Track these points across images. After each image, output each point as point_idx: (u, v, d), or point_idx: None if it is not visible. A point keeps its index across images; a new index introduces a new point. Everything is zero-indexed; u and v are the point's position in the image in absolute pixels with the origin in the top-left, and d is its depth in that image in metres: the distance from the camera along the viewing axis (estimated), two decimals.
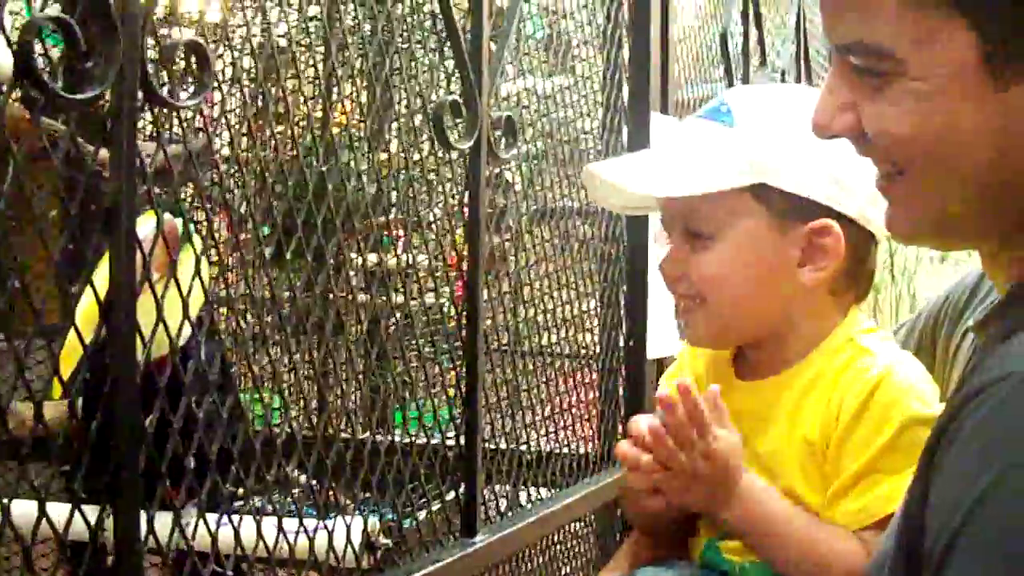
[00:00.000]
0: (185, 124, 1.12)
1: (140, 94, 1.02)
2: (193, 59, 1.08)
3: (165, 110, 1.10)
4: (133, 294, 1.03)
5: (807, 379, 1.27)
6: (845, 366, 1.25)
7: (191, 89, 1.09)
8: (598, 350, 2.21)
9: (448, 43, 1.55)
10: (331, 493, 1.42)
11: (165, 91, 1.06)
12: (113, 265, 1.01)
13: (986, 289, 1.24)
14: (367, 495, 1.48)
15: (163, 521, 1.11)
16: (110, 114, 1.00)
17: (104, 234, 1.01)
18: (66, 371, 1.06)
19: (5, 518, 0.96)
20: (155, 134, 1.10)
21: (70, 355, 1.08)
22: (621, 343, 2.22)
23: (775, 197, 1.17)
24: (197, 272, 1.19)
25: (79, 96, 0.96)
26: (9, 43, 0.90)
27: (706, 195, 1.24)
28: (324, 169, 1.34)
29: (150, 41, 1.07)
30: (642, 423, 1.26)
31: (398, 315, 1.55)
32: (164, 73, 1.08)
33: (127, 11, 0.99)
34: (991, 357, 0.93)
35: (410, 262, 1.61)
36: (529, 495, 1.93)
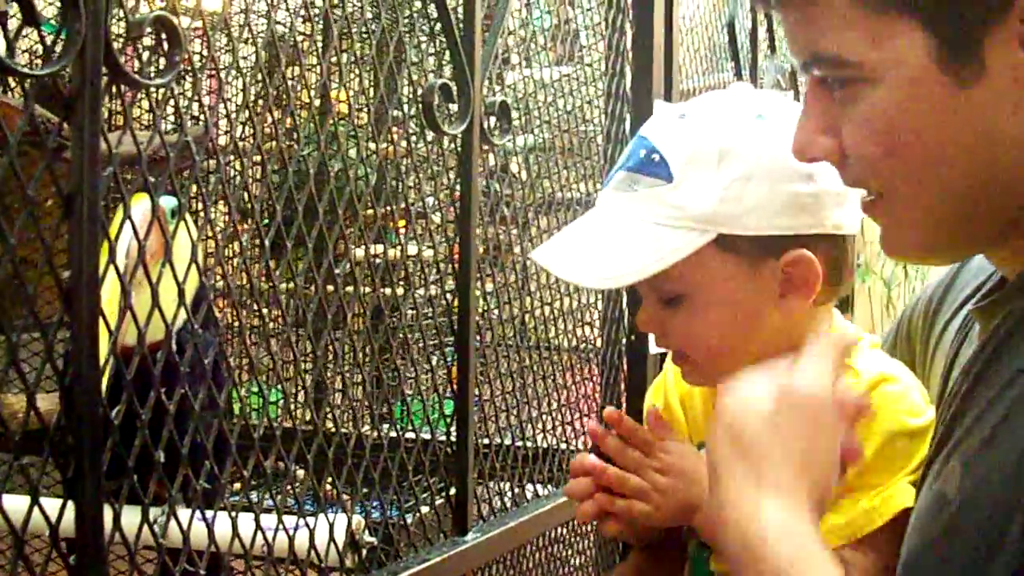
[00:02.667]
0: (156, 105, 1.07)
1: (104, 71, 0.98)
2: (163, 36, 1.04)
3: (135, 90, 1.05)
4: (96, 281, 0.99)
5: None
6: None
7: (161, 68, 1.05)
8: (599, 344, 2.17)
9: (440, 25, 1.51)
10: (316, 488, 1.38)
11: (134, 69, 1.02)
12: (74, 251, 0.97)
13: (962, 282, 1.20)
14: (353, 492, 1.44)
15: (131, 517, 1.07)
16: (71, 92, 0.96)
17: (65, 220, 0.96)
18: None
19: None
20: (151, 120, 1.06)
21: None
22: (623, 338, 2.18)
23: (739, 242, 1.11)
24: (193, 259, 1.15)
25: (36, 72, 0.92)
26: None
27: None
28: (323, 157, 1.30)
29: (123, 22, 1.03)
30: (588, 459, 1.24)
31: (391, 307, 1.50)
32: (136, 56, 1.04)
33: None
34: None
35: (407, 253, 1.57)
36: (524, 492, 1.89)
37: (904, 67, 0.89)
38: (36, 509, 0.97)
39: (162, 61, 1.06)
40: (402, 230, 1.67)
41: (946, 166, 0.91)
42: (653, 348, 2.13)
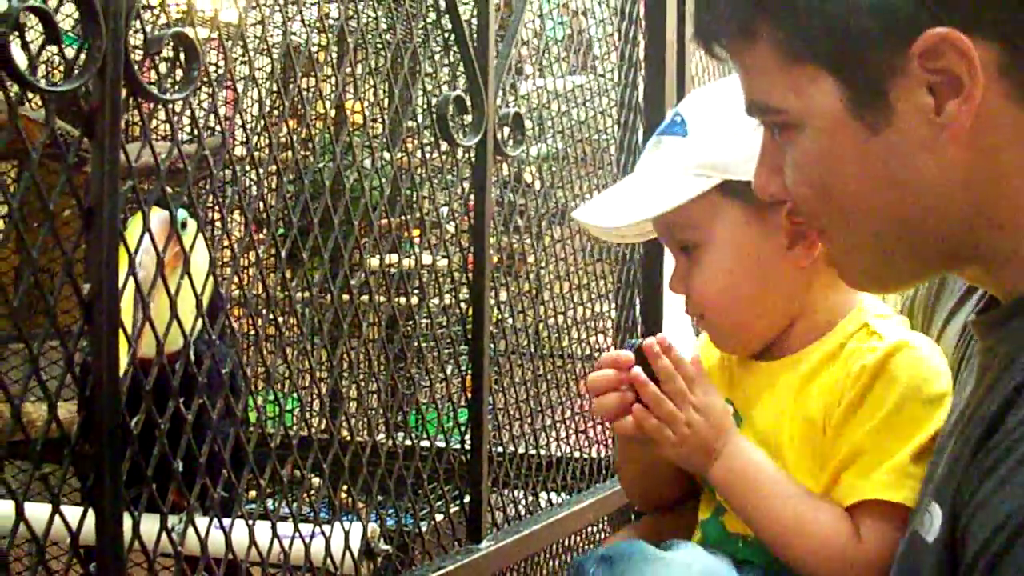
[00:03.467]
0: (174, 117, 1.09)
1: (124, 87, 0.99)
2: (181, 52, 1.05)
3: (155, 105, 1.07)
4: (116, 292, 1.00)
5: (817, 360, 1.25)
6: (856, 349, 1.23)
7: (179, 84, 1.06)
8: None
9: (454, 36, 1.52)
10: (332, 497, 1.39)
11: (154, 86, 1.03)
12: (94, 264, 0.98)
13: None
14: (368, 500, 1.45)
15: (149, 525, 1.09)
16: (92, 107, 0.97)
17: (85, 232, 0.98)
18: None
19: (19, 518, 0.94)
20: (169, 134, 1.07)
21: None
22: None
23: (744, 189, 1.16)
24: (211, 269, 1.17)
25: (58, 88, 0.93)
26: None
27: (681, 208, 1.25)
28: (338, 167, 1.32)
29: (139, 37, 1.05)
30: (622, 355, 1.27)
31: (405, 316, 1.51)
32: (152, 68, 1.06)
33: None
34: None
35: (422, 263, 1.58)
36: (538, 500, 1.90)
37: (821, 115, 0.94)
38: (57, 517, 0.99)
39: (179, 75, 1.07)
40: (416, 240, 1.68)
41: (871, 206, 0.95)
42: None
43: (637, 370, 1.24)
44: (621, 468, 1.46)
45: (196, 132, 1.19)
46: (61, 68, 0.99)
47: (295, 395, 1.47)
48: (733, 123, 1.19)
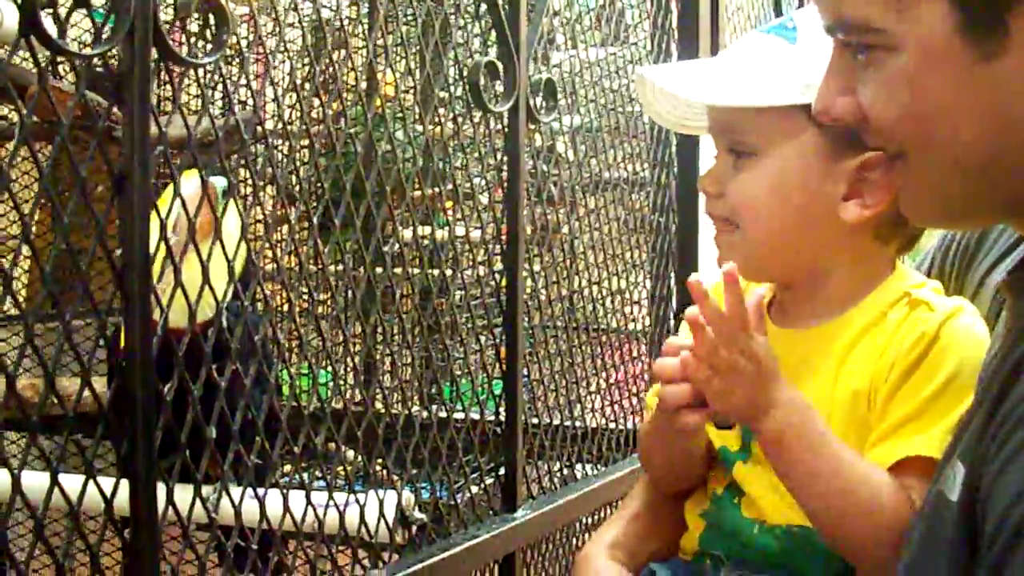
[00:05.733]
0: (204, 85, 1.08)
1: (154, 52, 0.99)
2: (211, 17, 1.05)
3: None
4: (148, 259, 1.00)
5: (857, 330, 1.21)
6: (904, 319, 1.19)
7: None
8: (647, 324, 2.16)
9: (485, 5, 1.51)
10: (367, 467, 1.39)
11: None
12: (126, 230, 0.98)
13: (997, 230, 1.20)
14: (402, 471, 1.44)
15: (183, 495, 1.09)
16: (121, 72, 0.97)
17: (116, 199, 0.97)
18: None
19: (53, 488, 0.95)
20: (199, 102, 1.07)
21: None
22: (671, 317, 2.17)
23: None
24: (243, 235, 1.16)
25: (88, 52, 0.93)
26: None
27: (758, 109, 1.18)
28: (371, 138, 1.31)
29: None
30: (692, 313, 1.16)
31: (439, 288, 1.51)
32: (184, 32, 1.05)
33: None
34: None
35: (456, 234, 1.58)
36: (573, 471, 1.89)
37: (926, 37, 0.89)
38: (92, 487, 0.99)
39: (209, 46, 1.07)
40: (449, 211, 1.67)
41: (962, 136, 0.90)
42: None
43: (692, 309, 1.15)
44: (651, 462, 1.36)
45: (226, 102, 1.18)
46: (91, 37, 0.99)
47: (328, 367, 1.47)
48: None
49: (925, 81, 0.90)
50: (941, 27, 0.88)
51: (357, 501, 1.36)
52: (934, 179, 0.94)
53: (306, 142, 1.28)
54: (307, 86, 1.26)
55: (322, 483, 1.32)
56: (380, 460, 1.42)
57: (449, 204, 1.69)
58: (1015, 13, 0.86)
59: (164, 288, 1.06)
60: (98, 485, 1.00)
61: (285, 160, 1.34)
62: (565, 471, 1.88)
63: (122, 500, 1.02)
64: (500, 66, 1.51)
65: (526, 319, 1.68)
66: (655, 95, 1.28)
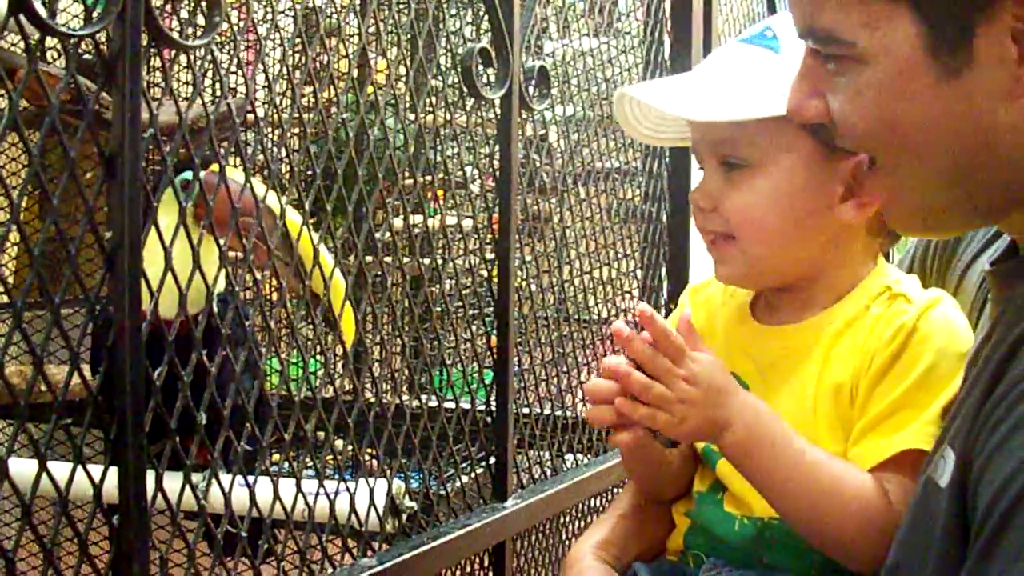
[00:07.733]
0: (195, 68, 1.07)
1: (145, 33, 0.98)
2: (203, 1, 1.04)
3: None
4: (138, 242, 0.99)
5: (840, 325, 1.21)
6: (883, 312, 1.19)
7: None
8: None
9: None
10: (357, 455, 1.38)
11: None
12: (115, 213, 0.97)
13: None
14: (392, 460, 1.44)
15: (172, 482, 1.08)
16: (112, 54, 0.95)
17: (107, 181, 0.96)
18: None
19: (40, 475, 0.94)
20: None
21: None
22: (661, 307, 2.17)
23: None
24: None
25: (78, 32, 0.92)
26: None
27: (748, 123, 1.17)
28: (362, 126, 1.30)
29: None
30: (614, 361, 1.14)
31: (430, 277, 1.50)
32: (175, 14, 1.04)
33: None
34: None
35: (448, 222, 1.57)
36: (563, 460, 1.89)
37: (893, 53, 0.90)
38: (80, 473, 0.98)
39: (200, 28, 1.06)
40: (441, 200, 1.66)
41: (933, 148, 0.92)
42: None
43: (612, 360, 1.13)
44: (631, 471, 1.35)
45: (218, 87, 1.17)
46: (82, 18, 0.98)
47: (318, 356, 1.46)
48: None
49: (894, 95, 0.92)
50: (909, 43, 0.90)
51: (347, 489, 1.35)
52: (910, 188, 0.96)
53: (297, 129, 1.27)
54: (298, 73, 1.25)
55: (312, 471, 1.31)
56: (370, 449, 1.41)
57: (440, 192, 1.68)
58: (980, 30, 0.87)
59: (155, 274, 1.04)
60: (87, 472, 0.99)
61: (275, 148, 1.33)
62: (555, 461, 1.87)
63: (111, 487, 1.01)
64: (493, 53, 1.50)
65: (517, 308, 1.67)
66: (636, 113, 1.28)
